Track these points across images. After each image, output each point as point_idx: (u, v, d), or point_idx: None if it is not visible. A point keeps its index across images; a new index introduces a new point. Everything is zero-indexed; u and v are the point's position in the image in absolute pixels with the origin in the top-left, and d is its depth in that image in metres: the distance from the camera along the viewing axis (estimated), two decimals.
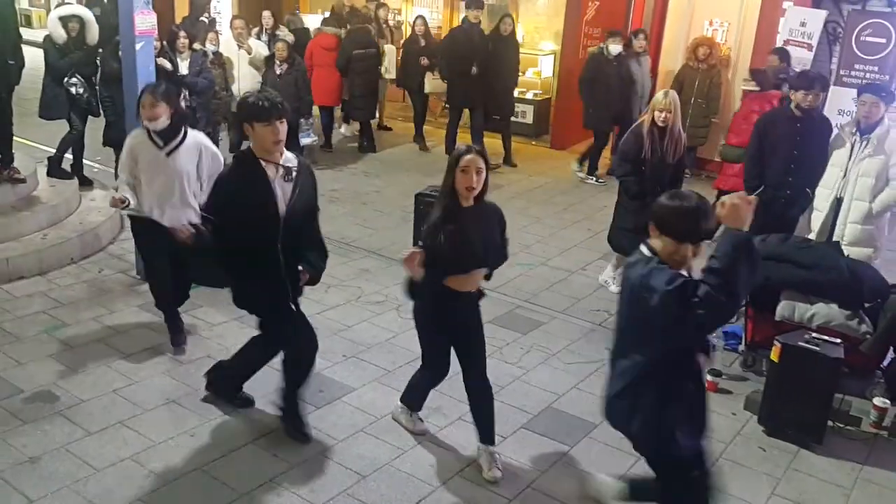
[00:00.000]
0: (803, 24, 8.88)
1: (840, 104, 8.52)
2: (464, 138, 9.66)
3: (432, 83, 10.34)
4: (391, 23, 11.43)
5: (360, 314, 5.81)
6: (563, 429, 4.58)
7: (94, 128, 7.79)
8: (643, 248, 3.12)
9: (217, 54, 8.88)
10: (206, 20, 10.52)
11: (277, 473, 4.03)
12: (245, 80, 9.08)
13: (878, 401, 4.74)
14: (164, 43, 7.78)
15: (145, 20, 5.67)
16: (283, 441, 4.29)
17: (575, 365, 5.31)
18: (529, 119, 11.36)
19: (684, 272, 2.98)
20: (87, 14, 7.52)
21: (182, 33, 8.09)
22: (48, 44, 7.29)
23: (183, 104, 6.84)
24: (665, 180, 5.76)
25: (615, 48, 9.03)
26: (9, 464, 3.96)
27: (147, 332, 5.35)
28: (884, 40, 8.49)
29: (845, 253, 5.47)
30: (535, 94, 11.53)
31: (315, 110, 9.71)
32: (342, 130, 11.16)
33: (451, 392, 4.86)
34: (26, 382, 4.68)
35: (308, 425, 4.34)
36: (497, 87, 9.77)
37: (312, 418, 4.44)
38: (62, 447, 4.13)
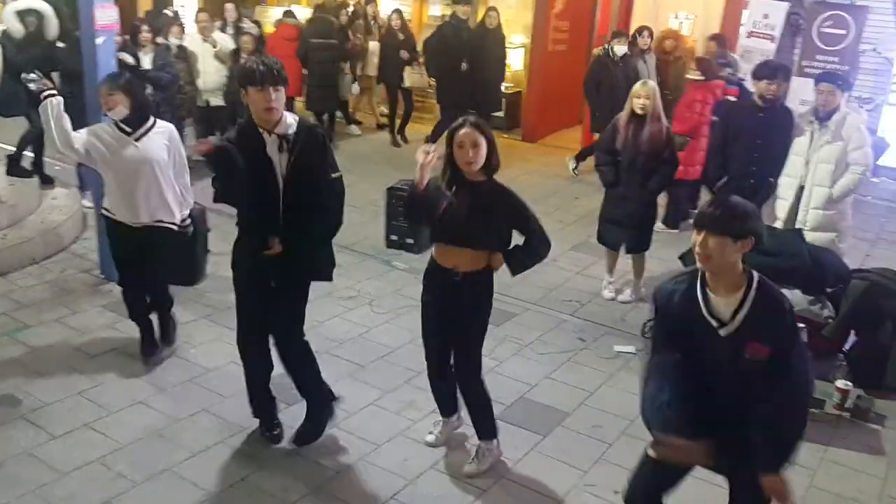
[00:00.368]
0: (766, 17, 9.00)
1: (803, 95, 8.63)
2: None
3: (412, 77, 10.24)
4: (380, 19, 11.16)
5: (333, 309, 5.76)
6: (537, 419, 4.59)
7: None
8: None
9: (181, 48, 8.74)
10: (169, 13, 10.38)
11: (249, 473, 3.98)
12: (210, 75, 8.97)
13: (840, 383, 4.82)
14: (127, 37, 7.65)
15: (106, 14, 5.55)
16: (255, 440, 4.24)
17: (547, 355, 5.32)
18: (500, 112, 11.38)
19: None
20: (46, 8, 7.37)
21: (144, 27, 7.97)
22: (5, 39, 7.14)
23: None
24: (637, 168, 5.82)
25: (620, 49, 8.74)
26: None
27: (112, 333, 5.26)
28: (843, 31, 8.64)
29: (808, 238, 5.56)
30: (507, 88, 11.51)
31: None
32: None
33: (424, 385, 4.83)
34: None
35: (280, 425, 4.29)
36: (484, 83, 9.64)
37: (285, 416, 4.39)
38: (26, 452, 4.03)
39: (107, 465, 3.98)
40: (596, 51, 9.42)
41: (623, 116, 5.89)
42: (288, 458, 4.12)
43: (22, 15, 7.07)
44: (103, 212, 4.79)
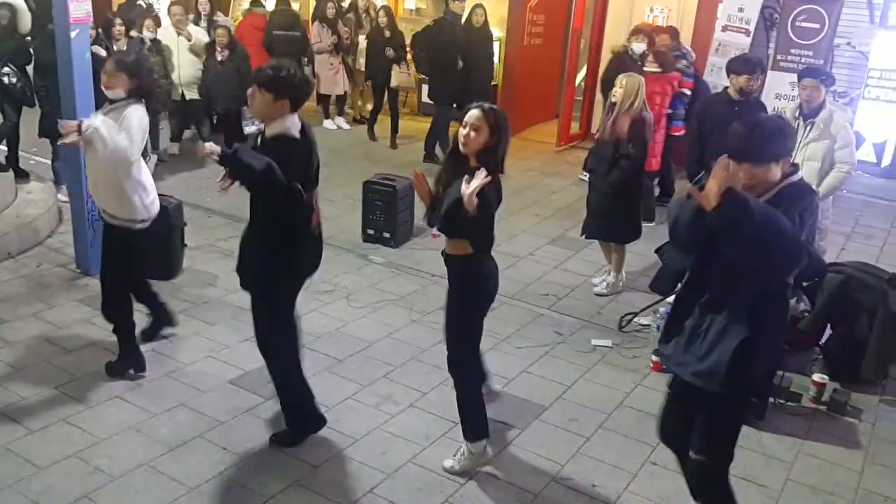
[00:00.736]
0: (741, 10, 9.07)
1: (777, 88, 8.74)
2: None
3: (399, 77, 10.07)
4: (372, 14, 11.03)
5: (309, 304, 5.76)
6: (514, 412, 4.61)
7: (30, 119, 7.56)
8: None
9: (155, 41, 8.68)
10: (143, 4, 10.28)
11: (227, 467, 3.99)
12: (185, 69, 8.93)
13: (817, 377, 4.87)
14: (100, 30, 7.58)
15: (80, 7, 5.50)
16: (233, 434, 4.24)
17: (525, 349, 5.36)
18: None
19: None
20: (18, 1, 7.28)
21: (118, 20, 7.90)
22: None
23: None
24: (602, 157, 5.95)
25: (639, 47, 8.57)
26: None
27: (89, 327, 5.23)
28: (817, 25, 8.72)
29: None
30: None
31: None
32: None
33: (401, 379, 4.87)
34: None
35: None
36: (475, 81, 9.44)
37: (262, 409, 4.40)
38: (3, 447, 4.01)
39: (84, 459, 3.97)
40: (615, 47, 9.29)
41: (608, 105, 5.98)
42: (266, 452, 4.13)
43: None
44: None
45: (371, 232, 7.07)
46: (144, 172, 4.61)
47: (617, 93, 5.82)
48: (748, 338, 3.02)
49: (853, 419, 4.75)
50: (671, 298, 5.80)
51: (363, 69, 10.75)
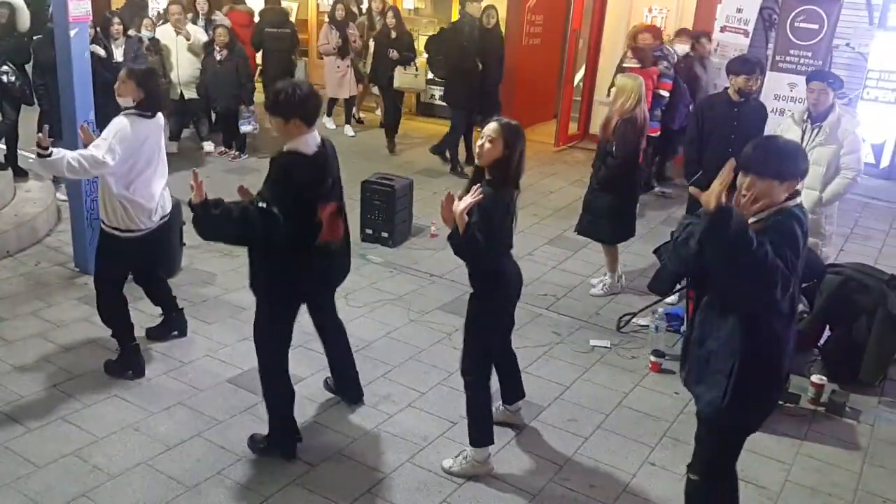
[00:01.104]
0: (739, 11, 9.05)
1: (776, 89, 8.73)
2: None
3: (403, 78, 9.86)
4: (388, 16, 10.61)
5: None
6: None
7: (29, 117, 7.55)
8: None
9: (153, 40, 8.67)
10: (138, 1, 10.25)
11: (225, 466, 3.99)
12: (184, 68, 8.93)
13: (815, 378, 4.88)
14: (98, 29, 7.57)
15: (79, 6, 5.49)
16: (231, 433, 4.24)
17: (523, 349, 5.32)
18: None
19: None
20: (17, 0, 7.28)
21: (116, 19, 7.89)
22: None
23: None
24: (597, 154, 6.03)
25: (682, 48, 8.62)
26: None
27: (87, 326, 5.22)
28: (816, 26, 8.70)
29: None
30: None
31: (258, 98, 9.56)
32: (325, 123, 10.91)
33: (399, 379, 4.87)
34: None
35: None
36: (487, 84, 9.29)
37: (260, 408, 4.39)
38: (1, 445, 4.02)
39: (83, 457, 3.97)
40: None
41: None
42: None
43: None
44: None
45: (369, 231, 7.07)
46: (139, 189, 4.51)
47: (611, 91, 5.89)
48: (739, 361, 2.98)
49: (852, 420, 4.76)
50: (670, 299, 5.90)
51: (363, 71, 10.67)
